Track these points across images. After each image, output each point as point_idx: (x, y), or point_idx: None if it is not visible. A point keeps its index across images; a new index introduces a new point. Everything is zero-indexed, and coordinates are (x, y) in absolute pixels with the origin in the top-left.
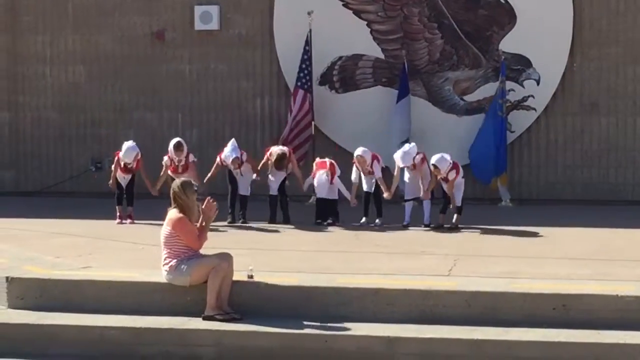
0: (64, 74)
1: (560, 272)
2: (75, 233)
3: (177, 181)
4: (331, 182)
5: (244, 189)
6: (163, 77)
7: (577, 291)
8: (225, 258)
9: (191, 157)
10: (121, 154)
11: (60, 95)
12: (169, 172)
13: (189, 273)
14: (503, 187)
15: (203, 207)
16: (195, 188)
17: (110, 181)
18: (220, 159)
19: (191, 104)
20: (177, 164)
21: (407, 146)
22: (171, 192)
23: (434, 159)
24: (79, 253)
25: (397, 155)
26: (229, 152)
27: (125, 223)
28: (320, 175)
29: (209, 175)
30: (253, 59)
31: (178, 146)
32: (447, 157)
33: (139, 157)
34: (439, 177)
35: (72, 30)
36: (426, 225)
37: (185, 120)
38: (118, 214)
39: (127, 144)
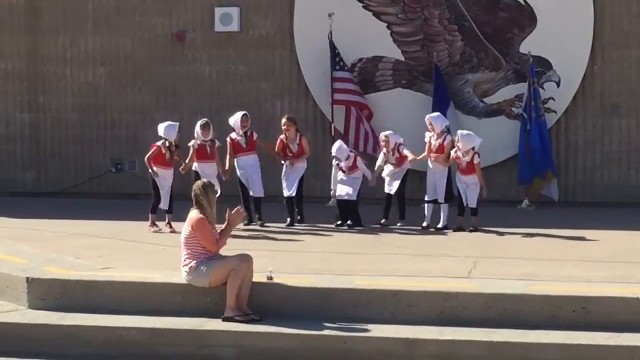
0: (84, 75)
1: (580, 275)
2: (95, 234)
3: (199, 182)
4: (352, 169)
5: (258, 190)
6: (183, 79)
7: (597, 294)
8: (245, 259)
9: (216, 143)
10: (162, 132)
11: (80, 96)
12: (195, 156)
13: (209, 274)
14: (550, 185)
15: (232, 212)
16: (217, 189)
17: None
18: (231, 139)
19: (211, 105)
20: (204, 143)
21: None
22: (192, 192)
23: (460, 133)
24: (99, 254)
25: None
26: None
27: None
28: (338, 177)
29: (227, 163)
30: (273, 60)
31: (205, 125)
32: (475, 137)
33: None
34: (457, 154)
35: (92, 31)
36: (440, 228)
37: None
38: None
39: (164, 124)
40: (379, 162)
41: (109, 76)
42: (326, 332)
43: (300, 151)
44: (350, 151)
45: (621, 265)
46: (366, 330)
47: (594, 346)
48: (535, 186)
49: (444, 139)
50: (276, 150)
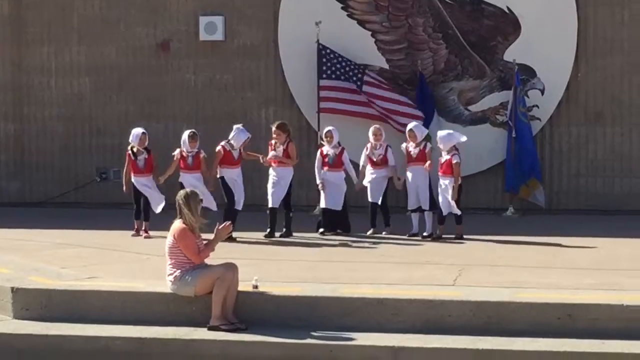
0: (69, 85)
1: (565, 282)
2: (81, 243)
3: (182, 192)
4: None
5: (239, 203)
6: (168, 88)
7: (582, 301)
8: (230, 268)
9: (202, 153)
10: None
11: (65, 106)
12: (180, 166)
13: (194, 284)
14: (536, 190)
15: (220, 227)
16: (201, 198)
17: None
18: (223, 147)
19: (196, 114)
20: (187, 154)
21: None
22: (176, 202)
23: (439, 134)
24: (84, 263)
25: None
26: (237, 134)
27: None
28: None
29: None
30: (258, 69)
31: (193, 136)
32: (458, 135)
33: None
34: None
35: (77, 41)
36: (426, 236)
37: None
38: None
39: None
40: (361, 163)
41: (94, 86)
42: (312, 341)
43: (285, 155)
44: (339, 143)
45: (606, 273)
46: (352, 339)
47: (580, 353)
48: (522, 194)
49: (425, 146)
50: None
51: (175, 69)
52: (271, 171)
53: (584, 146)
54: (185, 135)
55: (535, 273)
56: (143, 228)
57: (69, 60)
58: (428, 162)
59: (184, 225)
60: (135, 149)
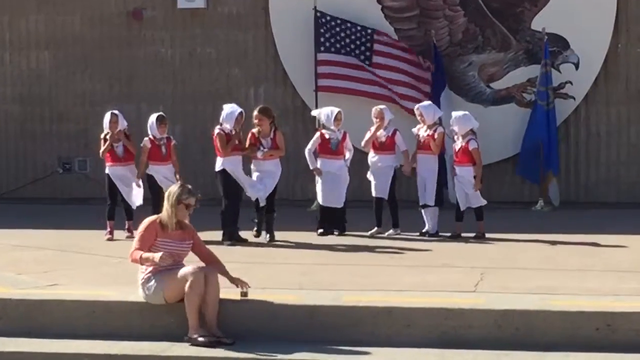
0: (26, 60)
1: (604, 287)
2: (40, 245)
3: (175, 187)
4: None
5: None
6: (141, 64)
7: (624, 309)
8: (200, 272)
9: (173, 141)
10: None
11: (22, 84)
12: (149, 157)
13: (161, 288)
14: (553, 186)
15: (160, 257)
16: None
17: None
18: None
19: (174, 94)
20: (159, 142)
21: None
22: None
23: (455, 114)
24: (44, 269)
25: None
26: (230, 111)
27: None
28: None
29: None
30: (245, 42)
31: (162, 119)
32: (473, 119)
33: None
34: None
35: (35, 9)
36: (431, 235)
37: (167, 114)
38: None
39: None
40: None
41: (55, 62)
42: (309, 356)
43: (273, 146)
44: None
45: None
46: (356, 355)
47: None
48: (542, 186)
49: (435, 131)
50: (247, 146)
51: (149, 41)
52: (256, 165)
53: (625, 128)
54: (153, 118)
55: (569, 277)
56: (126, 227)
57: (25, 31)
58: (404, 150)
59: (154, 217)
60: (109, 136)
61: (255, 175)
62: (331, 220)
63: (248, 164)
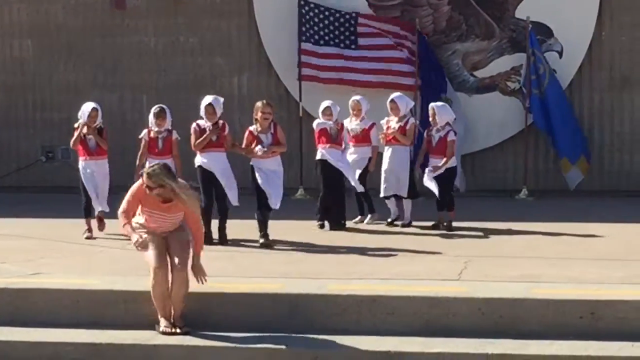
0: (8, 49)
1: (588, 275)
2: (23, 234)
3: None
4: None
5: (234, 197)
6: (124, 52)
7: (607, 297)
8: (162, 267)
9: (174, 134)
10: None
11: (5, 73)
12: (147, 151)
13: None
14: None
15: (135, 241)
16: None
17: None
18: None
19: (157, 83)
20: (157, 135)
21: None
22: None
23: (435, 105)
24: (28, 257)
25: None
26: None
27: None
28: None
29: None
30: (229, 30)
31: (159, 112)
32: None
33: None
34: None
35: None
36: (404, 225)
37: (150, 103)
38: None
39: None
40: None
41: (38, 50)
42: (293, 346)
43: (275, 142)
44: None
45: (635, 264)
46: (340, 344)
47: (605, 357)
48: (563, 167)
49: (406, 122)
50: (244, 145)
51: (132, 30)
52: (256, 164)
53: (608, 116)
54: (152, 113)
55: (553, 265)
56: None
57: (7, 20)
58: (374, 145)
59: (141, 185)
60: (85, 128)
61: (258, 175)
62: (328, 212)
63: (247, 161)
